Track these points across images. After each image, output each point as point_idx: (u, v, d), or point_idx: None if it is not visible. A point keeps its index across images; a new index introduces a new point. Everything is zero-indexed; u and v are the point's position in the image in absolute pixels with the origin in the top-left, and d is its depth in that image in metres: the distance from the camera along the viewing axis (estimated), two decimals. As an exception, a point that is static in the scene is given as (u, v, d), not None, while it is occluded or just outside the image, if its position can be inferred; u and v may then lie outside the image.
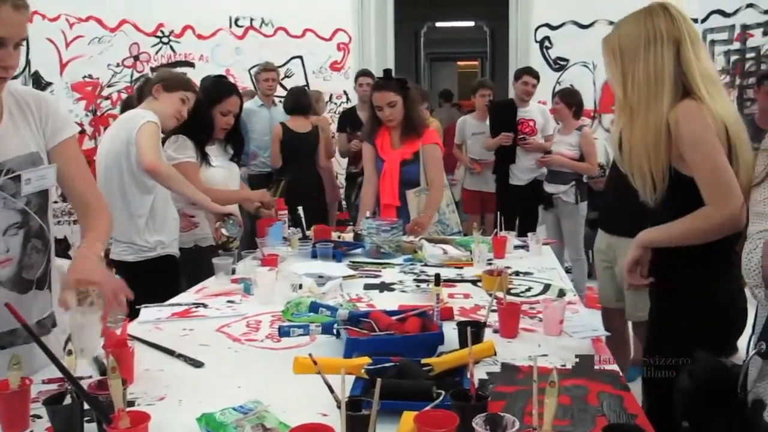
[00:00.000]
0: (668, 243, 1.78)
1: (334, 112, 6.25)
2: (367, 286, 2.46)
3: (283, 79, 6.11)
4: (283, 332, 1.76)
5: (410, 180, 3.42)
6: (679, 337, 1.76)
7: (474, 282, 2.49)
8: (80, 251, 1.64)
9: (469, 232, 3.61)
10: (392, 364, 1.44)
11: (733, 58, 5.53)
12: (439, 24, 13.40)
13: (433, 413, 1.16)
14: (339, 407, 1.11)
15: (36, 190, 1.62)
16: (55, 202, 1.92)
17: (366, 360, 1.45)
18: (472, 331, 1.41)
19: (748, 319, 1.65)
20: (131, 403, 1.39)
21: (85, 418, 1.26)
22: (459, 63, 16.55)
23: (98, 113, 6.20)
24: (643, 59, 1.74)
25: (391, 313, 1.88)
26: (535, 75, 5.27)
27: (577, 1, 6.03)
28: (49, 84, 6.01)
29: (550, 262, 2.89)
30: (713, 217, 1.65)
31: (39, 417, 1.32)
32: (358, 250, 3.03)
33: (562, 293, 2.31)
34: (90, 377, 1.54)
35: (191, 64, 6.22)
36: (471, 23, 13.36)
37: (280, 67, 5.99)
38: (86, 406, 1.22)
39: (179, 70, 5.36)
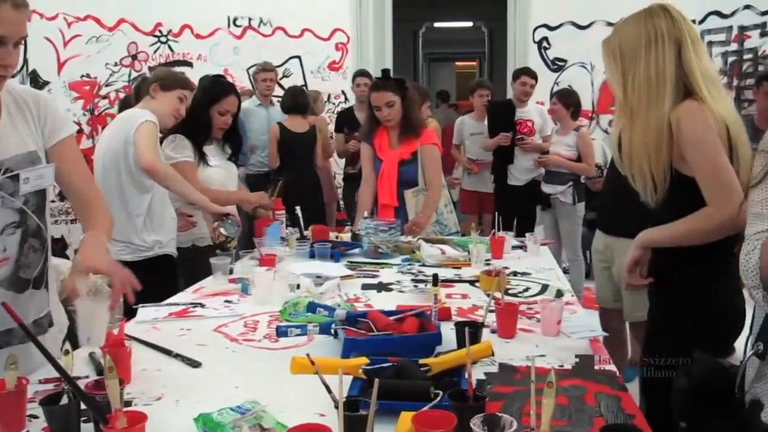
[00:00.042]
0: (669, 243, 1.78)
1: (332, 112, 6.24)
2: (365, 286, 2.46)
3: (281, 78, 6.10)
4: (281, 332, 1.76)
5: (408, 180, 3.41)
6: (679, 337, 1.76)
7: (472, 282, 2.49)
8: (87, 240, 1.64)
9: (467, 232, 3.61)
10: (390, 364, 1.44)
11: (731, 59, 5.54)
12: (437, 24, 13.40)
13: (430, 413, 1.16)
14: (336, 407, 1.11)
15: (34, 190, 1.62)
16: (52, 201, 1.92)
17: (364, 360, 1.45)
18: (469, 331, 1.40)
19: (746, 319, 1.65)
20: (128, 403, 1.39)
21: (82, 418, 1.26)
22: (457, 63, 16.55)
23: (96, 112, 6.19)
24: (644, 60, 1.75)
25: (389, 314, 1.87)
26: (533, 75, 5.27)
27: (576, 1, 6.04)
28: (46, 83, 6.00)
29: (548, 262, 2.89)
30: (714, 218, 1.65)
31: (35, 417, 1.32)
32: (356, 250, 3.02)
33: (559, 294, 2.31)
34: (87, 377, 1.54)
35: (189, 64, 6.21)
36: (469, 24, 13.37)
37: (278, 66, 5.98)
38: (83, 406, 1.22)
39: (177, 69, 5.35)
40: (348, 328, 1.77)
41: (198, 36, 6.33)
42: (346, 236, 3.30)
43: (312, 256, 2.91)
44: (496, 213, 3.13)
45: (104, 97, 6.21)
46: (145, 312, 2.10)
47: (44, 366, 1.48)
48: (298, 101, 5.17)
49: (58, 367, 1.21)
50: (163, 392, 1.48)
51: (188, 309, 2.18)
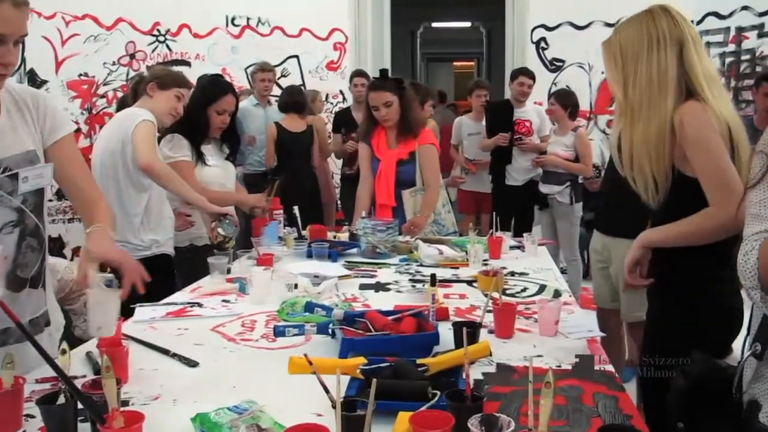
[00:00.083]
0: (670, 243, 1.78)
1: (330, 112, 6.24)
2: (363, 286, 2.46)
3: (279, 78, 6.10)
4: (279, 332, 1.76)
5: (406, 180, 3.41)
6: (677, 337, 1.76)
7: (469, 282, 2.49)
8: (95, 231, 1.66)
9: (465, 232, 3.61)
10: (388, 364, 1.44)
11: (728, 60, 5.54)
12: (435, 24, 13.39)
13: (428, 414, 1.16)
14: (334, 407, 1.10)
15: (33, 189, 1.62)
16: (50, 200, 1.92)
17: (361, 360, 1.45)
18: (467, 331, 1.40)
19: (744, 320, 1.65)
20: (125, 403, 1.38)
21: (79, 418, 1.25)
22: (455, 63, 16.54)
23: (94, 112, 6.19)
24: (646, 61, 1.75)
25: (387, 314, 1.87)
26: (531, 76, 5.27)
27: (574, 2, 6.04)
28: (44, 82, 5.99)
29: (546, 262, 2.89)
30: (717, 218, 1.65)
31: (32, 417, 1.32)
32: (354, 250, 3.02)
33: (557, 294, 2.32)
34: (84, 376, 1.54)
35: (187, 63, 6.20)
36: (467, 24, 13.36)
37: (276, 66, 5.97)
38: (80, 406, 1.22)
39: (175, 68, 5.35)
40: (346, 328, 1.77)
41: (196, 35, 6.32)
42: (343, 236, 3.30)
43: (310, 255, 2.91)
44: (494, 213, 3.13)
45: (102, 97, 6.20)
46: (142, 311, 2.10)
47: (41, 365, 1.47)
48: (295, 99, 5.17)
49: (55, 366, 1.21)
50: (161, 392, 1.48)
51: (186, 308, 2.17)
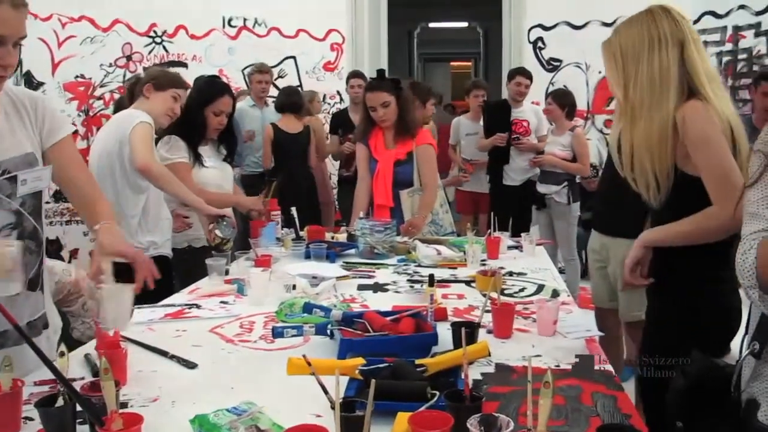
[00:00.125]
0: (672, 243, 1.79)
1: (327, 113, 6.24)
2: (361, 287, 2.46)
3: (276, 79, 6.10)
4: (277, 333, 1.76)
5: (404, 180, 3.41)
6: (677, 337, 1.76)
7: (468, 282, 2.49)
8: (104, 228, 1.68)
9: (463, 232, 3.61)
10: (386, 364, 1.43)
11: (725, 59, 5.55)
12: (432, 24, 13.38)
13: (427, 414, 1.16)
14: (333, 408, 1.10)
15: (31, 191, 1.62)
16: (47, 202, 1.92)
17: (360, 361, 1.44)
18: (466, 331, 1.40)
19: (742, 319, 1.65)
20: (124, 405, 1.38)
21: (78, 420, 1.25)
22: (452, 63, 16.53)
23: (91, 113, 6.18)
24: (647, 61, 1.75)
25: (385, 314, 1.87)
26: (528, 75, 5.28)
27: (571, 2, 6.04)
28: (41, 84, 5.99)
29: (544, 262, 2.89)
30: (720, 217, 1.65)
31: (31, 419, 1.31)
32: (352, 251, 3.02)
33: (555, 293, 2.32)
34: (82, 379, 1.54)
35: (184, 65, 6.20)
36: (464, 24, 13.36)
37: (273, 67, 5.97)
38: (79, 408, 1.22)
39: (172, 70, 5.35)
40: (344, 328, 1.76)
41: (193, 36, 6.32)
42: (341, 237, 3.30)
43: (308, 256, 2.91)
44: (492, 213, 3.13)
45: (99, 98, 6.20)
46: (140, 313, 2.09)
47: (39, 368, 1.47)
48: (292, 100, 5.16)
49: (53, 368, 1.21)
50: (159, 394, 1.48)
51: (184, 310, 2.17)
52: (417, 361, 1.47)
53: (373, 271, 2.70)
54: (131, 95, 2.97)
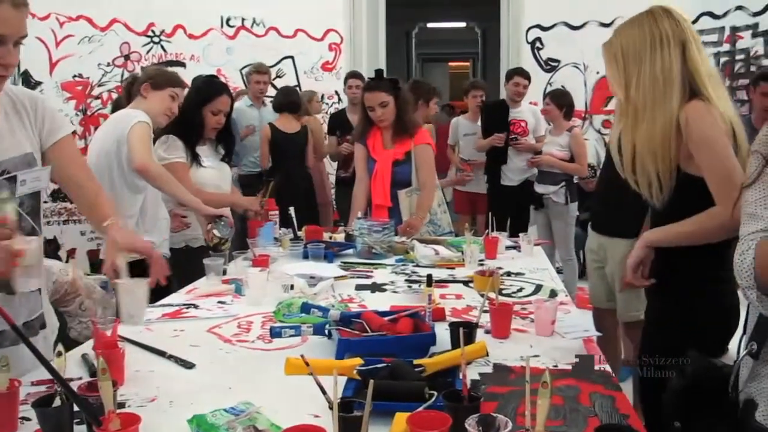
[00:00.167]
0: (675, 243, 1.79)
1: (326, 113, 6.24)
2: (359, 287, 2.46)
3: (274, 79, 6.10)
4: (275, 333, 1.75)
5: (402, 180, 3.41)
6: (678, 337, 1.76)
7: (466, 283, 2.49)
8: (114, 224, 1.71)
9: (461, 232, 3.61)
10: (384, 365, 1.43)
11: (723, 59, 5.56)
12: (430, 25, 13.40)
13: (425, 414, 1.16)
14: (331, 408, 1.10)
15: (30, 192, 1.62)
16: (45, 202, 1.92)
17: (358, 361, 1.44)
18: (464, 331, 1.40)
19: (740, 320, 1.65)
20: (121, 405, 1.38)
21: (75, 421, 1.25)
22: (450, 64, 16.56)
23: (88, 113, 6.17)
24: (650, 61, 1.75)
25: (383, 314, 1.87)
26: (527, 76, 5.28)
27: (569, 2, 6.05)
28: (38, 83, 5.98)
29: (542, 262, 2.89)
30: (723, 217, 1.65)
31: (28, 419, 1.31)
32: (350, 251, 3.02)
33: (553, 294, 2.32)
34: (80, 379, 1.53)
35: (182, 64, 6.19)
36: (462, 24, 13.37)
37: (271, 67, 5.97)
38: (76, 408, 1.21)
39: (170, 69, 5.35)
40: (342, 328, 1.76)
41: (191, 36, 6.32)
42: (339, 237, 3.30)
43: (305, 256, 2.91)
44: (490, 213, 3.13)
45: (97, 98, 6.20)
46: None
47: (36, 368, 1.47)
48: (290, 100, 5.15)
49: (50, 368, 1.21)
50: (157, 394, 1.48)
51: (181, 310, 2.17)
52: (415, 362, 1.47)
53: (371, 271, 2.70)
54: (128, 95, 2.97)
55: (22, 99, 1.64)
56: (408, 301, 2.20)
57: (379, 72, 3.52)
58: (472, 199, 5.60)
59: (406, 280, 2.55)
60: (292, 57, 6.39)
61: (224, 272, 2.55)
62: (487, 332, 1.86)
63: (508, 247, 3.09)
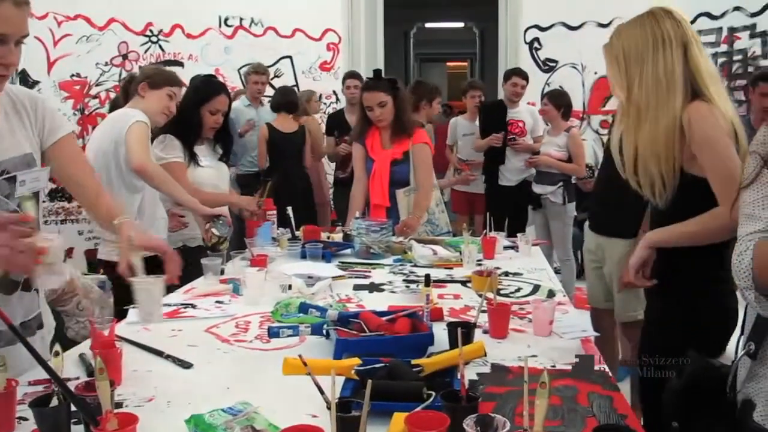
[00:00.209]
0: (678, 243, 1.79)
1: (324, 113, 6.24)
2: (357, 287, 2.46)
3: (272, 78, 6.09)
4: (273, 333, 1.75)
5: (400, 180, 3.41)
6: (679, 337, 1.77)
7: (464, 283, 2.49)
8: (126, 223, 1.72)
9: (459, 232, 3.61)
10: (382, 365, 1.43)
11: (721, 60, 5.57)
12: (428, 25, 13.41)
13: (423, 414, 1.16)
14: (329, 408, 1.10)
15: (29, 192, 1.61)
16: (43, 201, 1.92)
17: (356, 361, 1.44)
18: (462, 331, 1.40)
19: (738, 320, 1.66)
20: (119, 405, 1.38)
21: (72, 420, 1.25)
22: (448, 64, 16.57)
23: (86, 112, 6.17)
24: (652, 62, 1.75)
25: (381, 314, 1.87)
26: (524, 76, 5.28)
27: (567, 2, 6.05)
28: (36, 83, 5.97)
29: (540, 262, 2.89)
30: (726, 217, 1.65)
31: (25, 419, 1.31)
32: (348, 251, 3.02)
33: (551, 294, 2.32)
34: (77, 378, 1.53)
35: (180, 64, 6.19)
36: (460, 24, 13.39)
37: (269, 67, 5.96)
38: (73, 408, 1.21)
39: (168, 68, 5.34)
40: (340, 328, 1.76)
41: (189, 36, 6.31)
42: (337, 237, 3.30)
43: (303, 256, 2.91)
44: (488, 213, 3.13)
45: (95, 97, 6.19)
46: (136, 313, 2.08)
47: (34, 368, 1.46)
48: (288, 99, 5.15)
49: (48, 368, 1.20)
50: (154, 394, 1.47)
51: (179, 310, 2.16)
52: (413, 362, 1.47)
53: (369, 271, 2.69)
54: (126, 94, 2.97)
55: (22, 99, 1.64)
56: (406, 301, 2.20)
57: (377, 72, 3.52)
58: (470, 199, 5.60)
59: (404, 280, 2.55)
60: (290, 57, 6.38)
61: (222, 272, 2.54)
62: (485, 332, 1.86)
63: (506, 247, 3.09)
